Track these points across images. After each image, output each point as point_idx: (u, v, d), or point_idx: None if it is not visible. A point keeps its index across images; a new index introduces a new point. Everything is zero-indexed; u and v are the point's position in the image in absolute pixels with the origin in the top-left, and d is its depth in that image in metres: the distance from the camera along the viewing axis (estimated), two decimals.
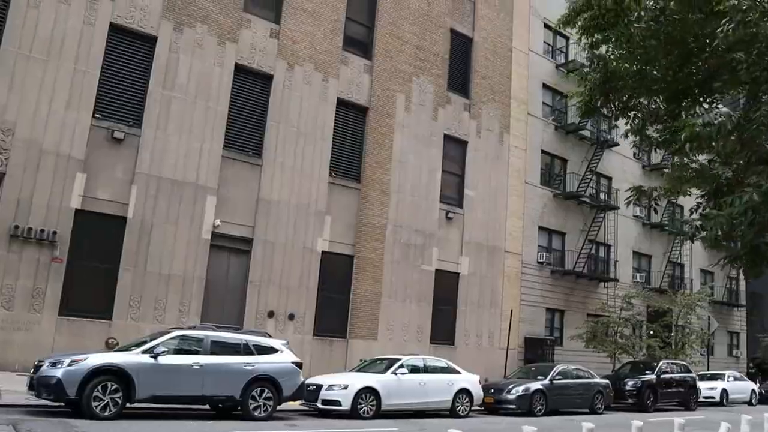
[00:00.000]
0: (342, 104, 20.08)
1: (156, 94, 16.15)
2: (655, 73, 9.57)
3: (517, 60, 26.54)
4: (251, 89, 18.10)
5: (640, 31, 9.02)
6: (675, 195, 11.30)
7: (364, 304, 19.67)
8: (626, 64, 9.67)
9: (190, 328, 11.91)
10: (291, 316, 17.88)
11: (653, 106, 10.36)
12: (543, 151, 27.68)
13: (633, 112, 10.40)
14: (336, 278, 19.31)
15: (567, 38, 29.84)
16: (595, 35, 9.58)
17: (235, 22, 17.61)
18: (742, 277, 39.85)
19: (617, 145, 30.27)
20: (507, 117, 25.75)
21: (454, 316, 22.48)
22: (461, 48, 24.27)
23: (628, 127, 10.66)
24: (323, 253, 19.00)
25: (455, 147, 23.59)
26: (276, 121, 18.27)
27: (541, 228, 26.91)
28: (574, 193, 27.90)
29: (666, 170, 31.27)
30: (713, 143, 9.02)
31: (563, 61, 29.55)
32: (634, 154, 32.70)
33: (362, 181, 20.28)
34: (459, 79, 24.08)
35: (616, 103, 10.29)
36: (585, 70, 11.06)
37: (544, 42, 28.81)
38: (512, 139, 25.78)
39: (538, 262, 26.26)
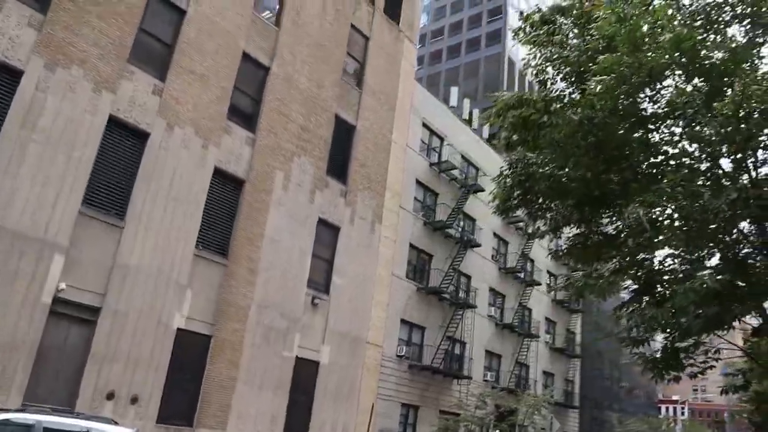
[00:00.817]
0: (219, 174, 19.12)
1: (11, 134, 14.31)
2: (572, 178, 9.93)
3: (395, 153, 27.19)
4: (123, 144, 16.70)
5: (565, 136, 9.36)
6: (601, 295, 11.48)
7: (216, 390, 18.05)
8: (545, 168, 9.97)
9: (18, 411, 9.99)
10: (134, 399, 15.88)
11: (566, 212, 10.72)
12: (411, 245, 28.11)
13: (549, 214, 10.69)
14: (190, 359, 17.63)
15: (442, 139, 31.30)
16: (514, 135, 9.84)
17: (116, 72, 16.38)
18: (577, 380, 42.28)
19: (479, 246, 31.61)
20: (381, 207, 25.98)
21: (310, 408, 21.31)
22: (344, 134, 24.44)
23: (543, 227, 10.93)
24: (179, 330, 17.35)
25: (328, 232, 23.22)
26: (146, 182, 16.89)
27: (403, 321, 26.89)
28: (437, 288, 28.39)
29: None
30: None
31: (436, 160, 30.78)
32: (492, 256, 34.32)
33: (230, 256, 19.12)
34: (339, 165, 24.07)
35: (533, 204, 10.53)
36: (502, 168, 11.30)
37: (421, 140, 29.95)
38: (384, 229, 25.95)
39: (398, 356, 26.01)
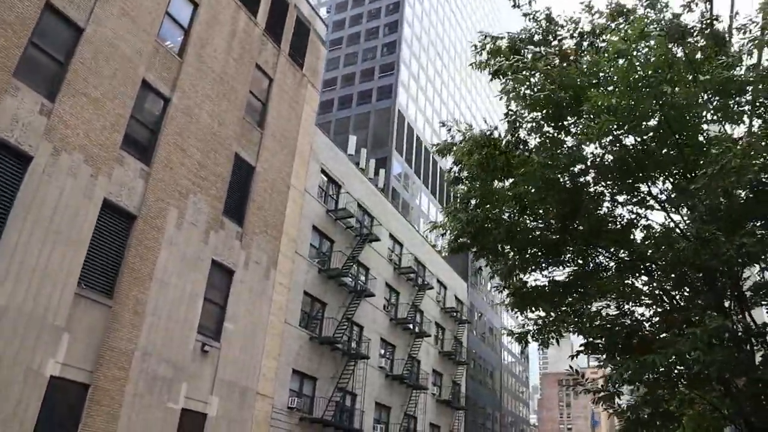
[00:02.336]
0: (108, 207, 17.58)
1: None
2: (534, 227, 9.78)
3: (293, 197, 26.57)
4: (0, 167, 14.91)
5: (536, 185, 9.14)
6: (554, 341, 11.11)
7: None
8: (505, 212, 9.77)
9: None
10: None
11: (520, 258, 10.53)
12: (305, 293, 27.29)
13: (501, 259, 10.44)
14: (63, 411, 15.64)
15: (339, 186, 31.08)
16: (471, 175, 9.57)
17: None
18: (461, 430, 42.41)
19: (373, 295, 31.31)
20: (276, 252, 25.10)
21: None
22: (243, 174, 23.57)
23: (491, 269, 10.63)
24: (52, 378, 15.39)
25: (221, 275, 22.00)
26: (24, 210, 15.10)
27: (295, 371, 25.77)
28: (330, 338, 27.61)
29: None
30: None
31: (333, 207, 30.44)
32: (384, 306, 34.10)
33: (116, 297, 17.44)
34: (236, 206, 23.07)
35: (486, 247, 10.26)
36: (455, 207, 11.00)
37: (319, 186, 29.56)
38: (278, 275, 25.01)
39: (289, 407, 24.77)
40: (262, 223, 24.24)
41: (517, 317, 12.25)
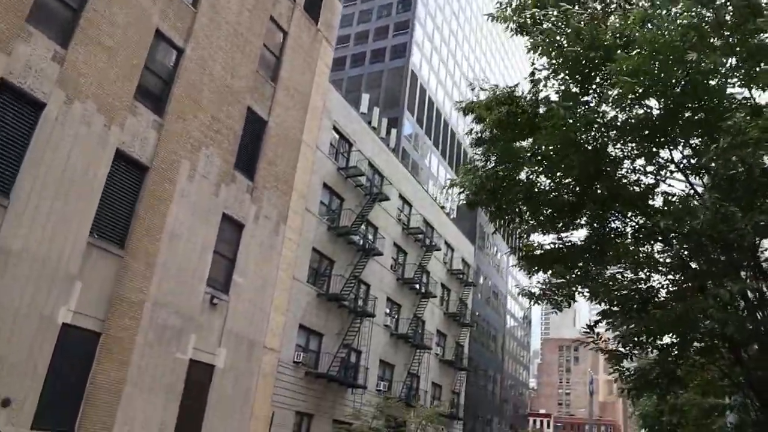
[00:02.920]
0: (121, 157, 17.54)
1: None
2: (553, 188, 9.64)
3: (304, 153, 26.43)
4: (14, 114, 14.84)
5: (558, 144, 8.96)
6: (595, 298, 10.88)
7: (103, 393, 16.39)
8: (523, 173, 9.62)
9: None
10: (5, 402, 14.00)
11: (540, 217, 10.42)
12: (314, 249, 27.39)
13: (518, 218, 10.34)
14: (75, 358, 15.91)
15: (351, 144, 30.89)
16: (495, 131, 9.38)
17: (12, 31, 14.54)
18: (462, 393, 43.11)
19: (381, 254, 31.43)
20: (286, 208, 25.10)
21: (201, 416, 19.97)
22: (255, 129, 23.41)
23: (509, 229, 10.51)
24: (64, 325, 15.60)
25: (232, 228, 22.06)
26: (38, 157, 15.09)
27: (301, 326, 26.06)
28: (338, 295, 27.82)
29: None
30: None
31: (344, 165, 30.32)
32: (391, 266, 34.26)
33: (127, 248, 17.54)
34: (247, 160, 22.98)
35: (503, 206, 10.16)
36: (477, 163, 10.82)
37: (330, 143, 29.38)
38: (288, 231, 25.07)
39: (294, 362, 25.13)
40: (272, 178, 24.18)
41: (529, 278, 12.17)
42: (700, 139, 9.03)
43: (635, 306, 8.89)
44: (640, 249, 10.09)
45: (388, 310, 33.94)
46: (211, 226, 20.78)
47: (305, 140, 26.49)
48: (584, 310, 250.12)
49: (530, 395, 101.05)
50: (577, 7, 9.19)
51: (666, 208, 9.25)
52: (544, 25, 9.26)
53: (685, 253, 9.30)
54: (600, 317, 10.73)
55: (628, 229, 9.85)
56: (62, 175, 15.69)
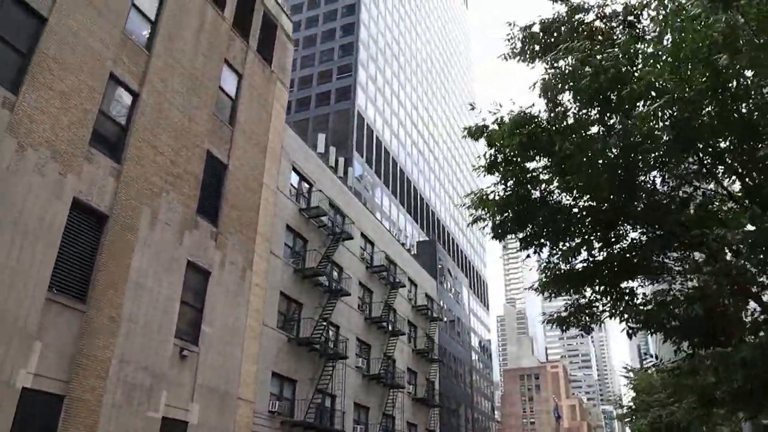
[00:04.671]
0: (79, 207, 16.60)
1: None
2: (583, 209, 9.32)
3: (265, 196, 25.84)
4: None
5: (586, 162, 8.66)
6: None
7: None
8: (548, 196, 9.28)
9: None
10: None
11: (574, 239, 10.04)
12: (281, 293, 26.57)
13: (546, 241, 9.98)
14: (37, 425, 14.61)
15: (311, 185, 30.48)
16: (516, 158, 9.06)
17: None
18: (437, 427, 42.19)
19: (348, 294, 30.79)
20: (251, 253, 24.33)
21: None
22: (215, 172, 22.75)
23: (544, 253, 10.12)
24: (24, 390, 14.36)
25: (197, 277, 21.14)
26: None
27: (274, 374, 25.01)
28: (309, 339, 26.96)
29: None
30: None
31: (306, 206, 29.80)
32: (359, 306, 33.62)
33: (89, 301, 16.46)
34: (209, 205, 22.24)
35: (530, 233, 9.78)
36: (487, 190, 10.37)
37: (291, 185, 28.88)
38: (254, 276, 24.25)
39: (270, 411, 24.00)
40: (236, 222, 23.45)
41: (549, 301, 11.78)
42: (737, 140, 8.82)
43: (695, 312, 8.46)
44: (685, 259, 9.92)
45: (358, 351, 33.10)
46: (176, 275, 19.84)
47: (266, 182, 25.93)
48: (540, 339, 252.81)
49: (496, 427, 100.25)
50: (578, 29, 9.16)
51: (717, 230, 9.05)
52: (560, 63, 9.12)
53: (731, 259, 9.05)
54: (636, 328, 10.22)
55: (672, 242, 9.60)
56: (16, 228, 14.66)
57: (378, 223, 40.78)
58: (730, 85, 8.11)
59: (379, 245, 37.85)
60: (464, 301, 65.80)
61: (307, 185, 30.47)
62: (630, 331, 10.31)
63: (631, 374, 25.06)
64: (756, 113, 8.43)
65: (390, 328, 36.57)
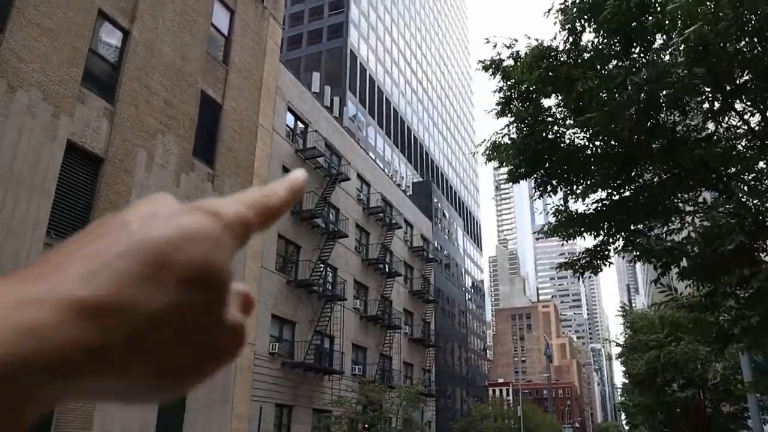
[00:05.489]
0: (73, 149, 16.17)
1: None
2: (603, 150, 9.05)
3: (261, 137, 25.34)
4: None
5: (609, 98, 8.31)
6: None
7: (75, 408, 15.19)
8: (566, 135, 8.99)
9: None
10: None
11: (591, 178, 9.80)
12: (279, 235, 26.41)
13: (563, 183, 9.74)
14: None
15: (306, 125, 29.91)
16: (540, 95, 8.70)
17: None
18: (433, 370, 43.14)
19: (346, 236, 30.71)
20: None
21: (181, 417, 18.93)
22: (210, 113, 22.17)
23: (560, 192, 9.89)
24: None
25: None
26: None
27: (273, 316, 25.13)
28: (307, 281, 26.99)
29: None
30: None
31: (302, 146, 29.33)
32: (356, 247, 33.61)
33: None
34: (205, 146, 21.77)
35: (546, 175, 9.52)
36: (513, 134, 10.05)
37: (287, 125, 28.32)
38: None
39: (270, 353, 24.23)
40: (232, 163, 23.06)
41: (563, 244, 11.54)
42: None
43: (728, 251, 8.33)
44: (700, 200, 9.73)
45: (355, 293, 33.30)
46: None
47: (261, 123, 25.38)
48: (532, 279, 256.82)
49: (488, 366, 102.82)
50: None
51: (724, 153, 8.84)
52: None
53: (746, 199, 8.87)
54: (681, 274, 10.08)
55: (690, 182, 9.39)
56: (9, 173, 14.28)
57: (374, 163, 40.39)
58: (754, 17, 7.78)
59: (375, 186, 37.58)
60: (458, 242, 66.17)
61: (302, 125, 29.89)
62: (635, 262, 10.26)
63: (626, 314, 25.40)
64: None
65: (387, 269, 36.71)
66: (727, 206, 8.87)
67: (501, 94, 9.66)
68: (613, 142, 9.19)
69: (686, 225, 9.97)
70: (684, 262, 9.42)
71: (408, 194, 49.23)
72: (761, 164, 9.46)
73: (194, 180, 20.76)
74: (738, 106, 9.28)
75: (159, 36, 19.63)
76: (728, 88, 8.71)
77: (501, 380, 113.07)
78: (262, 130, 25.39)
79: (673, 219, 10.02)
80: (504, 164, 10.03)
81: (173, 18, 20.37)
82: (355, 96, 63.83)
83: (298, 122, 29.55)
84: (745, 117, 9.06)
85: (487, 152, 9.98)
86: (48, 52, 15.49)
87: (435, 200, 55.58)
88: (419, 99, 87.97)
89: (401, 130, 77.23)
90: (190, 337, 0.35)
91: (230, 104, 23.18)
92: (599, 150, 9.33)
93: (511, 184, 11.00)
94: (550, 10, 9.15)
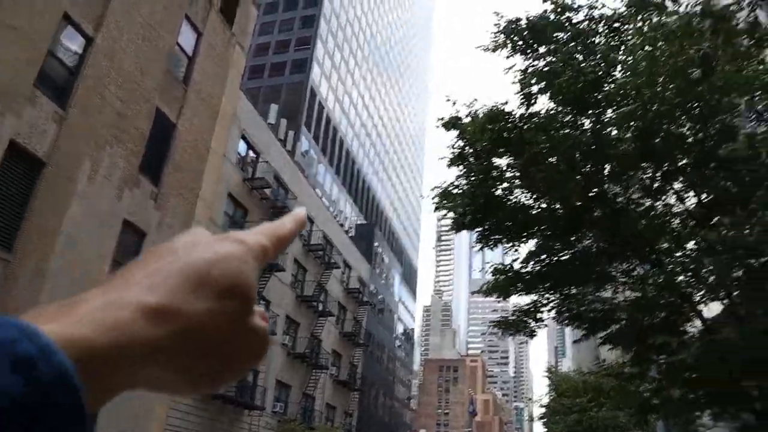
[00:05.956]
0: (15, 149, 15.70)
1: None
2: (546, 210, 9.41)
3: (212, 161, 25.17)
4: None
5: (556, 161, 8.74)
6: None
7: None
8: (512, 195, 9.33)
9: None
10: None
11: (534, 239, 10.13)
12: None
13: (503, 242, 10.03)
14: None
15: (258, 155, 29.91)
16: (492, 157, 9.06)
17: None
18: (356, 414, 42.60)
19: (283, 270, 30.52)
20: (191, 217, 23.67)
21: None
22: (163, 131, 21.94)
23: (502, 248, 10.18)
24: None
25: (132, 236, 20.43)
26: None
27: None
28: None
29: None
30: None
31: (251, 176, 29.24)
32: (291, 283, 33.37)
33: (15, 251, 15.66)
34: (153, 164, 21.45)
35: (489, 228, 9.81)
36: (463, 186, 10.34)
37: (238, 153, 28.25)
38: None
39: None
40: (178, 184, 22.75)
41: (501, 302, 11.85)
42: (700, 152, 9.11)
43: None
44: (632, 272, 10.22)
45: (286, 329, 32.89)
46: (111, 233, 19.12)
47: (214, 147, 25.25)
48: (463, 332, 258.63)
49: (410, 416, 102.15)
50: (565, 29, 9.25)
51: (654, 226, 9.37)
52: (541, 63, 9.26)
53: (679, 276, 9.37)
54: (602, 341, 10.48)
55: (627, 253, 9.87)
56: None
57: (320, 201, 40.54)
58: (698, 104, 8.42)
59: (318, 224, 37.59)
60: (394, 288, 66.42)
61: (254, 155, 29.86)
62: (566, 324, 10.66)
63: (552, 376, 25.94)
64: (716, 138, 8.76)
65: (320, 308, 36.48)
66: (657, 280, 9.38)
67: (455, 149, 10.04)
68: (557, 206, 9.64)
69: (618, 293, 10.46)
70: (612, 328, 9.87)
71: (350, 235, 49.39)
72: (691, 244, 10.03)
73: (137, 196, 20.39)
74: (677, 185, 9.89)
75: (122, 47, 19.48)
76: (668, 168, 9.34)
77: (423, 431, 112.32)
78: (213, 155, 25.23)
79: (606, 287, 10.50)
80: (451, 212, 10.35)
81: (139, 31, 20.28)
82: (310, 132, 64.17)
83: (250, 151, 29.53)
84: (683, 196, 9.68)
85: (437, 199, 10.32)
86: (3, 52, 15.15)
87: (376, 244, 55.90)
88: (372, 142, 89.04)
89: (351, 171, 77.81)
90: (224, 337, 0.44)
91: (185, 125, 23.02)
92: (544, 212, 9.77)
93: (453, 235, 11.36)
94: (510, 68, 9.66)
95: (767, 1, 8.83)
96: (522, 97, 9.41)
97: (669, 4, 8.93)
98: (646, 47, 8.24)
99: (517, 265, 10.62)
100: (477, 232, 10.50)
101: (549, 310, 10.74)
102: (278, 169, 31.85)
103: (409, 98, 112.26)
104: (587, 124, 9.38)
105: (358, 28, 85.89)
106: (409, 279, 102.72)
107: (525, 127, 9.19)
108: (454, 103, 9.94)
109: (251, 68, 70.75)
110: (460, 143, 9.76)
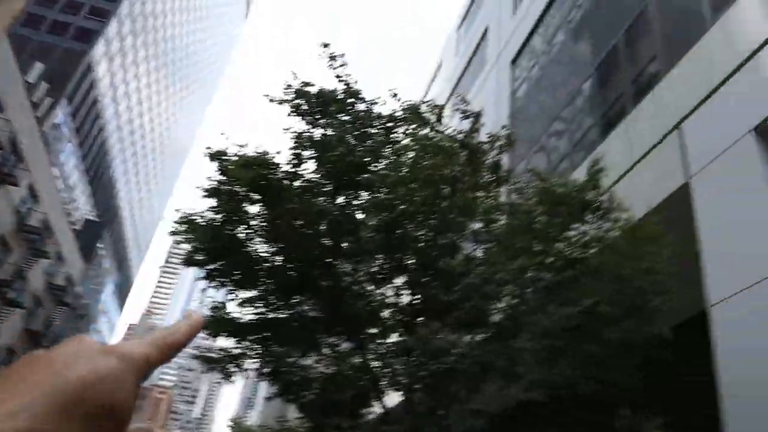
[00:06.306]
0: None
1: None
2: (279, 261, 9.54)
3: None
4: None
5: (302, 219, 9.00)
6: None
7: None
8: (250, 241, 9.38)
9: None
10: None
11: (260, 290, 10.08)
12: None
13: (228, 285, 9.85)
14: None
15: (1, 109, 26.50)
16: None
17: None
18: None
19: None
20: None
21: None
22: None
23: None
24: None
25: None
26: None
27: None
28: None
29: None
30: None
31: None
32: None
33: None
34: None
35: (222, 270, 9.63)
36: (209, 220, 9.99)
37: None
38: None
39: None
40: None
41: (213, 341, 11.71)
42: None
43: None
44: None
45: None
46: None
47: None
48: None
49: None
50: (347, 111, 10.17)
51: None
52: (316, 132, 10.00)
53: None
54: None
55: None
56: None
57: (54, 181, 36.72)
58: (438, 216, 9.76)
59: (45, 205, 33.88)
60: (103, 297, 61.51)
61: None
62: (264, 379, 11.07)
63: (236, 427, 25.95)
64: (441, 250, 10.13)
65: (9, 296, 32.28)
66: (356, 360, 10.34)
67: (213, 181, 10.05)
68: (290, 265, 10.19)
69: (319, 363, 11.21)
70: (304, 396, 10.49)
71: (75, 228, 45.14)
72: (395, 336, 11.06)
73: None
74: (399, 280, 11.06)
75: None
76: (397, 263, 10.54)
77: None
78: None
79: (311, 354, 11.17)
80: (187, 243, 10.22)
81: None
82: (71, 106, 58.31)
83: None
84: (400, 293, 10.87)
85: (178, 225, 10.15)
86: None
87: (101, 245, 51.75)
88: (133, 141, 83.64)
89: (100, 162, 71.88)
90: None
91: None
92: (277, 267, 10.23)
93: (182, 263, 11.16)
94: (288, 129, 10.25)
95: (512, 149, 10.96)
96: (293, 155, 9.98)
97: (438, 125, 10.59)
98: (411, 153, 9.51)
99: (234, 307, 10.86)
100: (206, 269, 10.50)
101: (253, 361, 11.06)
102: (18, 131, 28.42)
103: (188, 113, 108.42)
104: (341, 200, 10.28)
105: (161, 23, 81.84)
106: (123, 291, 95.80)
107: (286, 182, 9.69)
108: (228, 138, 10.14)
109: (30, 16, 62.92)
110: (221, 178, 9.84)
